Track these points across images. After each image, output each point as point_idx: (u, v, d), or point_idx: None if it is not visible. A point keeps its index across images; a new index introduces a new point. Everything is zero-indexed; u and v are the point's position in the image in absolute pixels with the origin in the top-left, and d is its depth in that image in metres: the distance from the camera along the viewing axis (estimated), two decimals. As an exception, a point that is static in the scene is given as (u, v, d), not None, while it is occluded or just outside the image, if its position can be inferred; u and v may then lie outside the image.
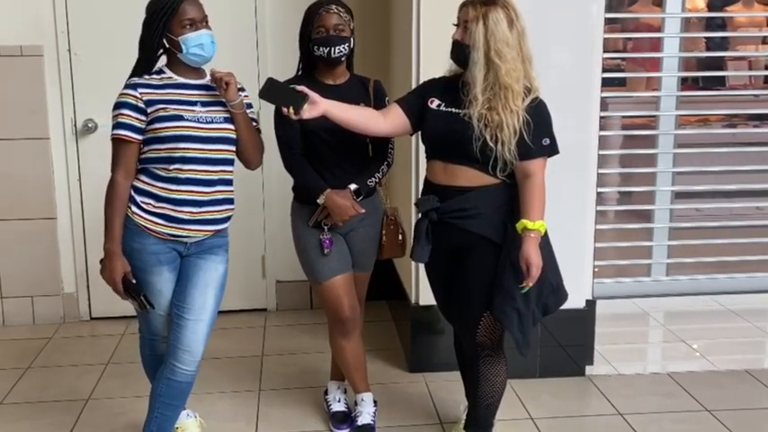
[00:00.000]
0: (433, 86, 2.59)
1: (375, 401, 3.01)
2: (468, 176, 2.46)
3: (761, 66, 5.39)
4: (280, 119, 2.71)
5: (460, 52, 2.43)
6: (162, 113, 2.39)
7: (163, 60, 2.50)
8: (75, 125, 3.97)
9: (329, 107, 2.47)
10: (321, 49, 2.66)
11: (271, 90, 2.47)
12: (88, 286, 4.09)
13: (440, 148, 2.53)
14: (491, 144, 2.38)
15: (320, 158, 2.72)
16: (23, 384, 3.42)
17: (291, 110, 2.42)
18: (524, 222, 2.39)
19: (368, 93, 2.78)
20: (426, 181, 2.62)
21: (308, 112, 2.43)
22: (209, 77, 2.51)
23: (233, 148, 2.52)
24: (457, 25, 2.45)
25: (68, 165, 4.00)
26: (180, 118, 2.40)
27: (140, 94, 2.39)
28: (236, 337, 3.94)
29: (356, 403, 2.99)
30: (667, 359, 3.79)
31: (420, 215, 2.60)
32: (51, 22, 3.88)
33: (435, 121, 2.52)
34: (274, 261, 4.21)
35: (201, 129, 2.42)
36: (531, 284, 2.40)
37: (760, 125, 4.85)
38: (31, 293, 4.08)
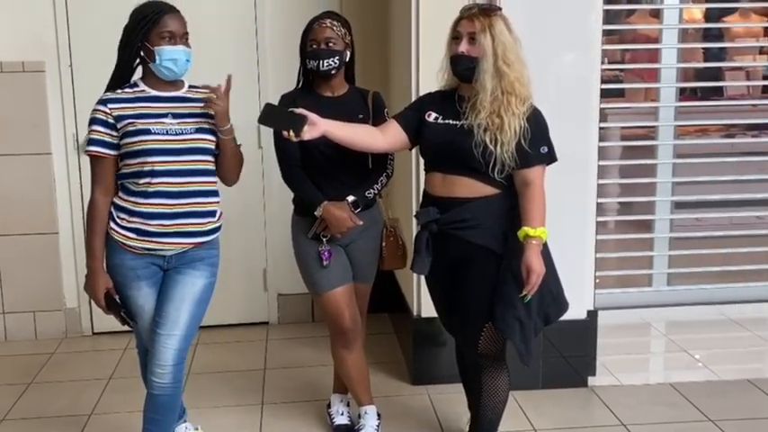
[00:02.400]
0: (429, 100, 2.62)
1: (378, 414, 3.00)
2: (468, 187, 2.47)
3: (758, 76, 5.41)
4: (279, 132, 2.72)
5: (466, 65, 2.43)
6: (130, 128, 2.40)
7: (139, 73, 2.50)
8: (76, 140, 3.99)
9: (328, 127, 2.49)
10: (311, 62, 2.69)
11: (269, 115, 2.48)
12: (90, 301, 4.07)
13: (439, 159, 2.54)
14: (490, 147, 2.39)
15: (320, 171, 2.74)
16: (26, 400, 3.42)
17: (291, 133, 2.43)
18: (526, 230, 2.40)
19: (367, 104, 2.80)
20: (425, 193, 2.63)
21: (308, 134, 2.44)
22: (186, 88, 2.52)
23: (208, 158, 2.50)
24: (456, 38, 2.46)
25: (70, 179, 4.01)
26: (147, 132, 2.40)
27: (110, 109, 2.41)
28: (239, 350, 3.94)
29: (359, 416, 2.99)
30: (670, 369, 3.79)
31: (420, 227, 2.61)
32: (53, 38, 3.91)
33: (434, 133, 2.54)
34: (276, 274, 4.21)
35: (171, 141, 2.42)
36: (531, 293, 2.41)
37: (758, 135, 4.86)
38: (33, 309, 4.09)
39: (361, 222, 2.71)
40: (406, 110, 2.69)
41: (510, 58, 2.38)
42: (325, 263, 2.74)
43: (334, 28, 2.70)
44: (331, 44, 2.68)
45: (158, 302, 2.52)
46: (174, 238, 2.47)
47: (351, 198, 2.71)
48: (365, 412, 2.97)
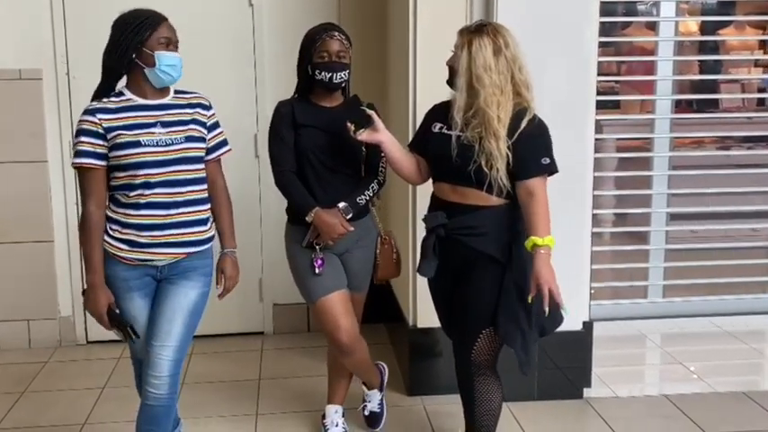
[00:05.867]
0: (435, 112, 2.66)
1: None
2: (476, 197, 2.50)
3: (753, 88, 5.43)
4: (272, 137, 2.75)
5: (451, 77, 2.53)
6: (119, 140, 2.35)
7: (122, 82, 2.47)
8: (72, 148, 3.98)
9: (386, 140, 2.61)
10: (323, 74, 2.69)
11: (352, 104, 2.63)
12: (84, 310, 4.07)
13: (443, 171, 2.57)
14: (485, 169, 2.43)
15: (314, 176, 2.75)
16: (19, 409, 3.40)
17: (353, 126, 2.56)
18: (533, 239, 2.40)
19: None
20: (434, 197, 2.65)
21: (365, 136, 2.56)
22: (172, 94, 2.48)
23: (199, 167, 2.48)
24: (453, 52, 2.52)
25: (66, 188, 4.01)
26: (138, 144, 2.35)
27: (99, 120, 2.36)
28: (234, 360, 3.92)
29: (364, 400, 3.10)
30: (665, 381, 3.78)
31: (427, 231, 2.62)
32: (50, 46, 3.91)
33: (436, 144, 2.57)
34: (271, 284, 4.21)
35: (161, 152, 2.38)
36: (547, 302, 2.39)
37: (754, 147, 4.88)
38: (27, 317, 4.07)
39: (353, 228, 2.72)
40: (414, 136, 2.75)
41: (483, 76, 2.40)
42: (317, 270, 2.74)
43: (343, 41, 2.72)
44: (342, 57, 2.70)
45: (152, 314, 2.49)
46: (166, 248, 2.43)
47: (342, 204, 2.72)
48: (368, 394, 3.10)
